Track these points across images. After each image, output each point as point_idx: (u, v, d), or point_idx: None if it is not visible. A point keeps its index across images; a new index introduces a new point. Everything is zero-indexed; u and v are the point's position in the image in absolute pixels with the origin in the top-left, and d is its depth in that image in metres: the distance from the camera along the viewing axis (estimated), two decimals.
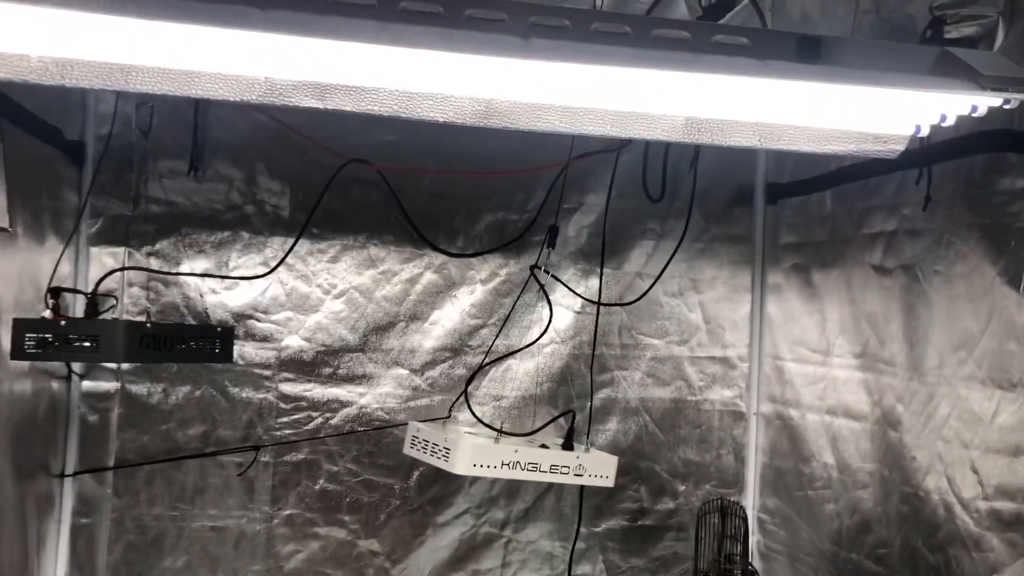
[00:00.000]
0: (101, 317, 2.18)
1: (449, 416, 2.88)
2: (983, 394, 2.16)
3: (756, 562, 3.16)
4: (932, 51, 1.61)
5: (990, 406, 2.14)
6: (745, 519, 2.72)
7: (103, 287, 2.41)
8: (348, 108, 1.64)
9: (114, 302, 2.18)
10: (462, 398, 2.83)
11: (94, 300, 2.20)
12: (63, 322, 2.05)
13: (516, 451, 2.59)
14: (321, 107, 1.62)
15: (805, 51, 1.49)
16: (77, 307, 2.62)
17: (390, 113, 1.65)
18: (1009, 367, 2.08)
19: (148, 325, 2.11)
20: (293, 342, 2.94)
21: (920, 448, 2.38)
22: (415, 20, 1.34)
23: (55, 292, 2.14)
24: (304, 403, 2.94)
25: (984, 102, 1.64)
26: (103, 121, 2.79)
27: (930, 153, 2.24)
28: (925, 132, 1.86)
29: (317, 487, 2.95)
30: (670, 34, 1.45)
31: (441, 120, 1.66)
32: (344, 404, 2.97)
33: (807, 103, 1.71)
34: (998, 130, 2.02)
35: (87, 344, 2.02)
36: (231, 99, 1.60)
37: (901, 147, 1.92)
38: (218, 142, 2.89)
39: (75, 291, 2.41)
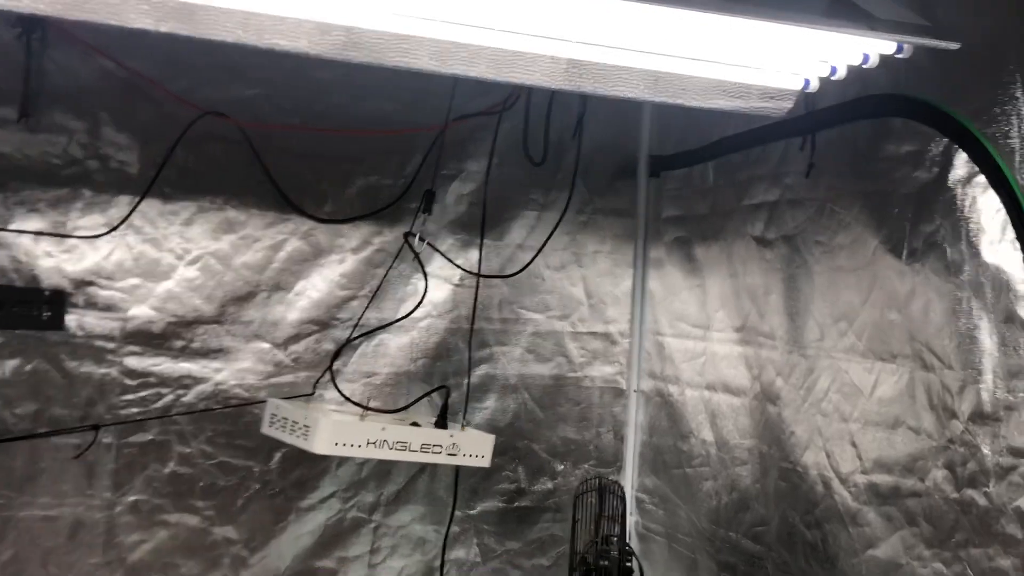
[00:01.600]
0: None
1: (313, 393, 2.67)
2: (863, 366, 2.12)
3: (634, 543, 3.09)
4: None
5: (870, 378, 2.10)
6: (623, 498, 2.64)
7: None
8: (184, 32, 1.43)
9: None
10: (327, 374, 2.63)
11: None
12: None
13: (383, 429, 2.42)
14: (152, 28, 1.40)
15: None
16: None
17: (235, 40, 1.44)
18: (889, 338, 2.04)
19: None
20: (140, 312, 2.67)
21: (799, 423, 2.34)
22: None
23: None
24: (153, 379, 2.68)
25: (877, 47, 1.57)
26: None
27: (815, 119, 2.19)
28: (815, 87, 1.79)
29: (167, 470, 2.69)
30: None
31: (293, 50, 1.47)
32: (198, 380, 2.72)
33: (695, 47, 1.60)
34: (884, 94, 1.97)
35: None
36: (49, 14, 1.36)
37: (789, 104, 1.84)
38: (56, 88, 2.58)
39: None
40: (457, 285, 2.98)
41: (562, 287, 3.13)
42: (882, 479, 2.04)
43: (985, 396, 1.76)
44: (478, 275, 2.90)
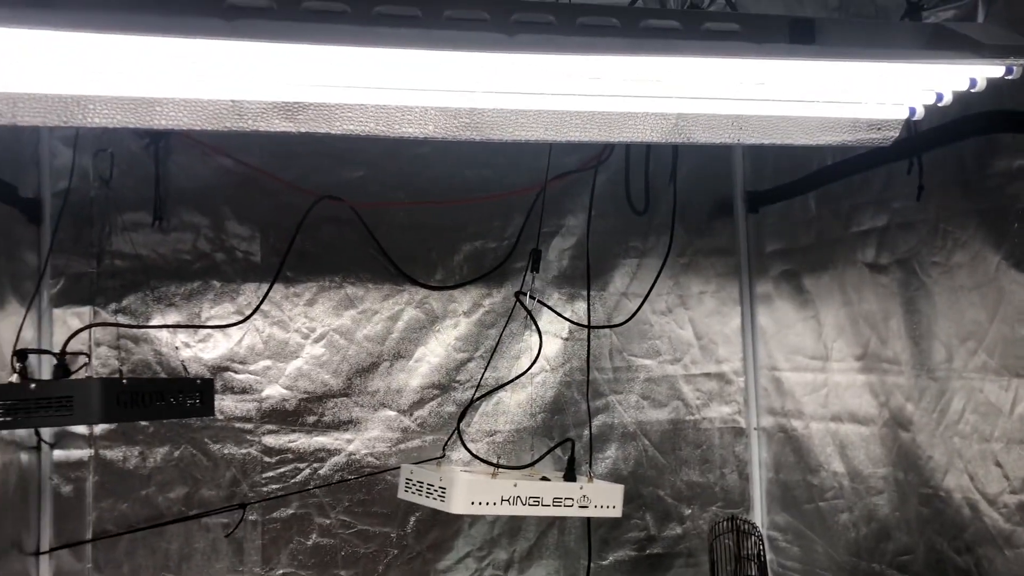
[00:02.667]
0: (73, 377, 2.03)
1: (443, 456, 2.75)
2: (999, 384, 2.09)
3: None
4: (926, 27, 1.56)
5: (1007, 396, 2.06)
6: (760, 536, 2.62)
7: (71, 348, 2.28)
8: (322, 129, 1.55)
9: (85, 360, 2.04)
10: (455, 436, 2.71)
11: (63, 360, 2.06)
12: (32, 385, 1.90)
13: (515, 485, 2.46)
14: (293, 130, 1.53)
15: (799, 33, 1.43)
16: (43, 370, 2.48)
17: (367, 132, 1.56)
18: (1023, 353, 2.01)
19: (124, 382, 1.97)
20: (274, 391, 2.81)
21: (935, 447, 2.30)
22: (392, 23, 1.26)
23: (21, 355, 2.00)
24: (290, 455, 2.81)
25: (985, 72, 1.59)
26: (59, 176, 2.68)
27: (919, 142, 2.20)
28: (920, 114, 1.81)
29: (310, 543, 2.80)
30: (660, 24, 1.38)
31: (421, 136, 1.57)
32: (332, 452, 2.84)
33: (801, 90, 1.65)
34: (990, 111, 1.97)
35: (60, 407, 1.88)
36: (196, 127, 1.50)
37: (896, 133, 1.86)
38: (181, 190, 2.78)
39: (43, 352, 2.27)
40: (567, 339, 3.04)
41: (671, 331, 3.16)
42: None
43: None
44: (588, 326, 2.95)
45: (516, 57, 1.35)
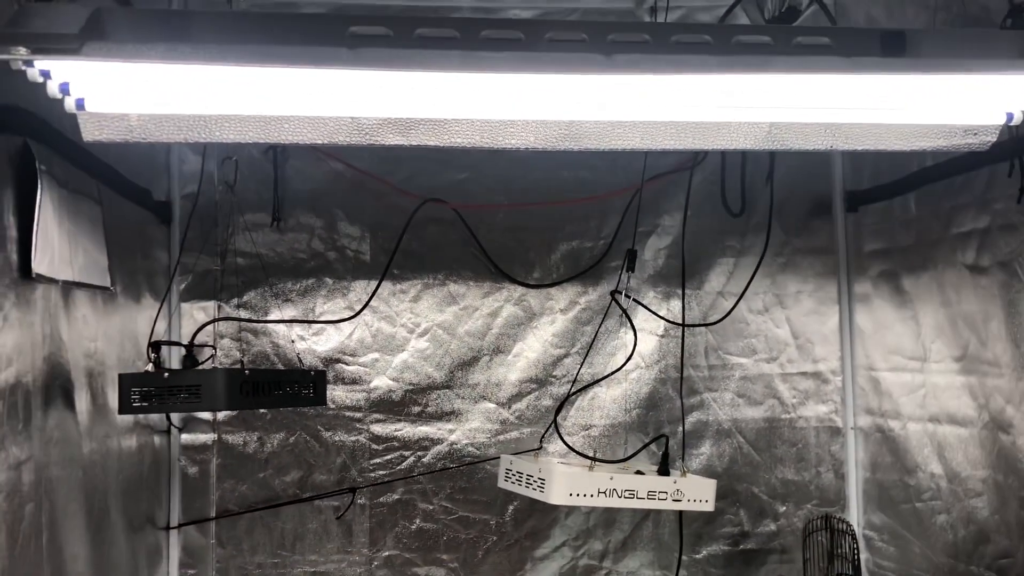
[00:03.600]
0: (200, 367, 2.23)
1: (540, 448, 2.86)
2: None
3: None
4: (1020, 35, 1.57)
5: None
6: (854, 536, 2.64)
7: (198, 341, 2.49)
8: (432, 143, 1.67)
9: (212, 351, 2.23)
10: (551, 429, 2.81)
11: (192, 351, 2.26)
12: (166, 374, 2.10)
13: (611, 478, 2.56)
14: (406, 143, 1.65)
15: (889, 45, 1.47)
16: (173, 360, 2.70)
17: (472, 144, 1.67)
18: None
19: (246, 372, 2.15)
20: (381, 383, 2.97)
21: None
22: (498, 47, 1.36)
23: (155, 346, 2.20)
24: (396, 443, 2.96)
25: None
26: (187, 181, 2.90)
27: (1021, 143, 2.17)
28: (1018, 120, 1.81)
29: (414, 527, 2.96)
30: (752, 39, 1.44)
31: (523, 147, 1.67)
32: (435, 442, 2.98)
33: (894, 99, 1.68)
34: None
35: (189, 394, 2.07)
36: (320, 142, 1.64)
37: (993, 138, 1.86)
38: (297, 193, 2.97)
39: (175, 343, 2.48)
40: (662, 336, 3.10)
41: (767, 329, 3.18)
42: None
43: None
44: (683, 324, 3.00)
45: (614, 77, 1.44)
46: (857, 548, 2.62)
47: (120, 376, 2.11)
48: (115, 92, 1.56)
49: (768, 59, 1.42)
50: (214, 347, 2.28)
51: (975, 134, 1.81)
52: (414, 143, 1.65)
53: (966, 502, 2.58)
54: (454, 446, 2.99)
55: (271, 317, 2.91)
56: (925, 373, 2.77)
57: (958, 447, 2.62)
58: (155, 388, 2.09)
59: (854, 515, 3.14)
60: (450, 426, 2.99)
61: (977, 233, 2.51)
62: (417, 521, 2.96)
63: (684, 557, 3.05)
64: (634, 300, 2.99)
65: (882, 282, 3.01)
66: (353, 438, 2.94)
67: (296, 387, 2.39)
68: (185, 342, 2.81)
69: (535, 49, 1.38)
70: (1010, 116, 1.80)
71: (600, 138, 1.68)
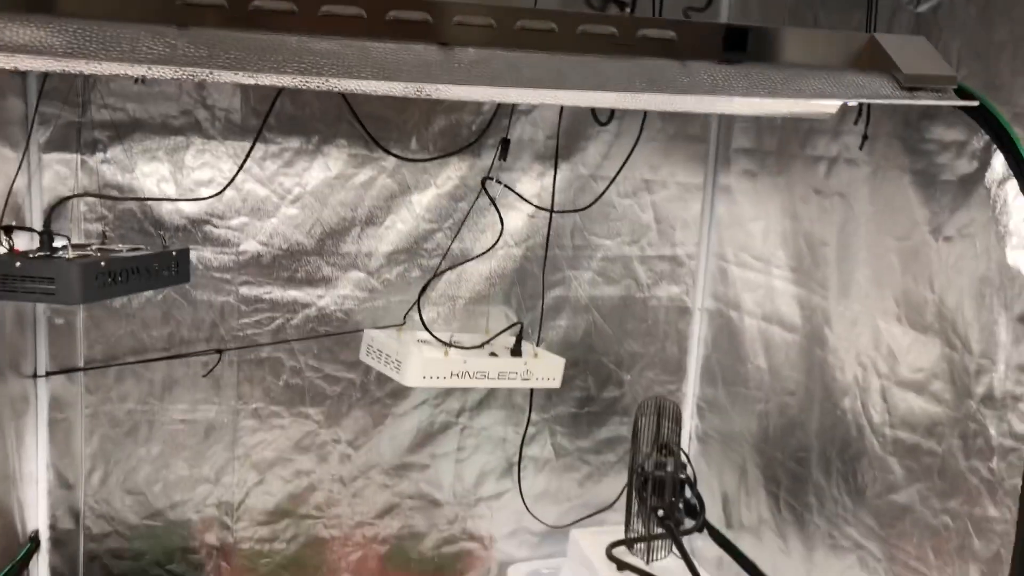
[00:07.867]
0: (57, 256, 2.19)
1: (404, 323, 3.00)
2: (899, 330, 2.30)
3: (694, 444, 3.41)
4: (860, 39, 1.61)
5: (904, 343, 2.28)
6: (679, 419, 2.91)
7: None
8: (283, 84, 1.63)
9: (66, 241, 2.21)
10: (414, 308, 2.94)
11: (48, 236, 2.24)
12: (18, 263, 2.09)
13: (465, 361, 2.74)
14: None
15: (732, 44, 1.49)
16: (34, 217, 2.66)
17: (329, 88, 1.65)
18: (923, 311, 2.21)
19: (102, 264, 2.15)
20: (251, 246, 3.01)
21: (841, 370, 2.54)
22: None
23: (7, 230, 2.18)
24: (264, 305, 3.05)
25: (899, 102, 1.66)
26: None
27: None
28: (853, 105, 1.88)
29: (280, 382, 3.11)
30: (597, 30, 1.45)
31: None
32: (304, 305, 3.08)
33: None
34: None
35: (43, 285, 2.08)
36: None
37: (833, 111, 1.94)
38: None
39: (27, 229, 2.42)
40: (532, 216, 3.20)
41: (632, 214, 3.31)
42: (906, 436, 2.26)
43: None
44: (551, 211, 3.10)
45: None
46: (679, 431, 2.91)
47: None
48: None
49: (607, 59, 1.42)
50: (67, 237, 2.26)
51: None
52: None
53: (782, 397, 2.88)
54: (323, 311, 3.09)
55: (136, 174, 2.87)
56: (766, 275, 2.98)
57: (783, 348, 2.88)
58: (6, 276, 2.09)
59: (691, 386, 3.45)
60: (319, 291, 3.08)
61: (826, 160, 2.64)
62: (284, 377, 3.11)
63: (533, 415, 3.32)
64: (506, 186, 3.06)
65: (744, 180, 3.14)
66: (222, 298, 3.01)
67: (156, 267, 2.42)
68: (45, 199, 2.79)
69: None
70: (845, 104, 1.87)
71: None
